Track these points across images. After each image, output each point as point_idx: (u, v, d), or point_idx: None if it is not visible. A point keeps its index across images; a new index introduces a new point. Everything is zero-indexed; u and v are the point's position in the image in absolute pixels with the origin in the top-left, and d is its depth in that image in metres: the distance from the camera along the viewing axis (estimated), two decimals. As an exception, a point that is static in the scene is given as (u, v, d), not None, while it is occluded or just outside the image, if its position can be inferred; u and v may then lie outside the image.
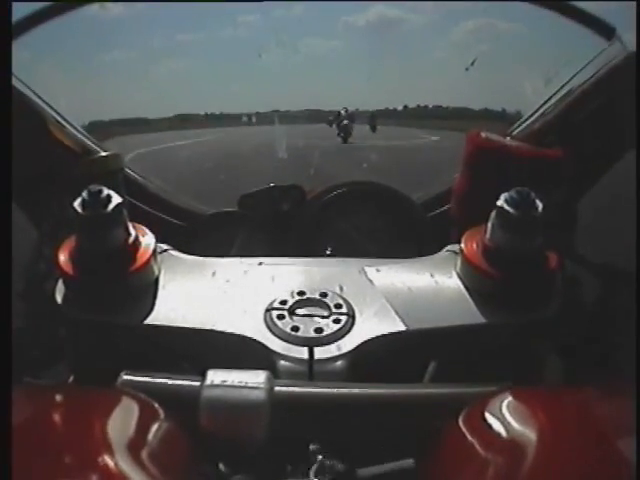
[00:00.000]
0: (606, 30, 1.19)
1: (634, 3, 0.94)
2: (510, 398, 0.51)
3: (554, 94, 1.22)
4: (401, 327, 0.69)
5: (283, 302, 0.72)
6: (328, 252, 1.07)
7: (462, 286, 0.74)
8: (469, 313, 0.71)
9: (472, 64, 1.43)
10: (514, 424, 0.48)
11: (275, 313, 0.70)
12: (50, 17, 1.11)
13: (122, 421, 0.49)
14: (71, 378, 0.73)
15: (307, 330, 0.68)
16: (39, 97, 1.06)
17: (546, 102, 1.23)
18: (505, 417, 0.49)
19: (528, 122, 1.23)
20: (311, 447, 0.60)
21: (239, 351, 0.68)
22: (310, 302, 0.72)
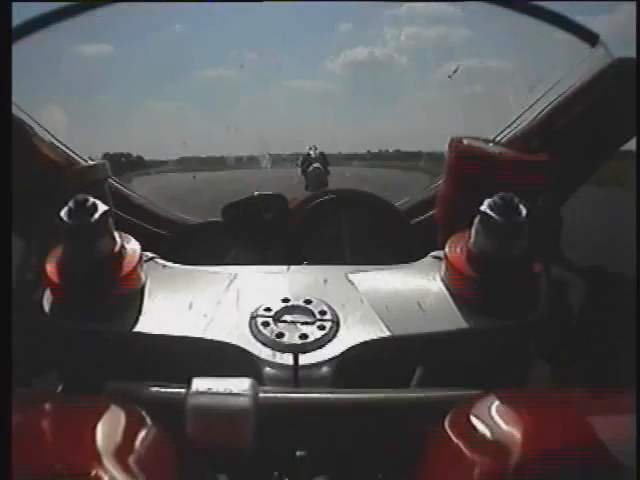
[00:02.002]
0: (590, 37, 1.20)
1: (634, 3, 0.94)
2: (495, 401, 0.51)
3: (538, 100, 1.23)
4: (385, 333, 0.69)
5: (268, 309, 0.72)
6: (312, 259, 1.07)
7: (446, 292, 0.74)
8: (453, 318, 0.71)
9: (455, 72, 1.44)
10: (499, 426, 0.48)
11: (260, 320, 0.70)
12: (49, 24, 1.12)
13: (109, 429, 0.49)
14: (59, 387, 0.73)
15: (292, 337, 0.68)
16: (21, 109, 1.07)
17: (530, 108, 1.24)
18: (490, 419, 0.49)
19: (512, 128, 1.24)
20: (297, 453, 0.60)
21: (225, 358, 0.68)
22: (295, 309, 0.72)
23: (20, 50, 0.99)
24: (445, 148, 0.99)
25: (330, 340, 0.68)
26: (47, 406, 0.56)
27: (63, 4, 1.15)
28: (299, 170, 1.47)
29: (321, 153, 1.49)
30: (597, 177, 1.20)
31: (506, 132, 1.24)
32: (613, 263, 1.15)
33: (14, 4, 0.71)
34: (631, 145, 1.12)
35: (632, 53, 1.03)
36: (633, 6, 0.94)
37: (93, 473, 0.41)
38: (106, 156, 1.35)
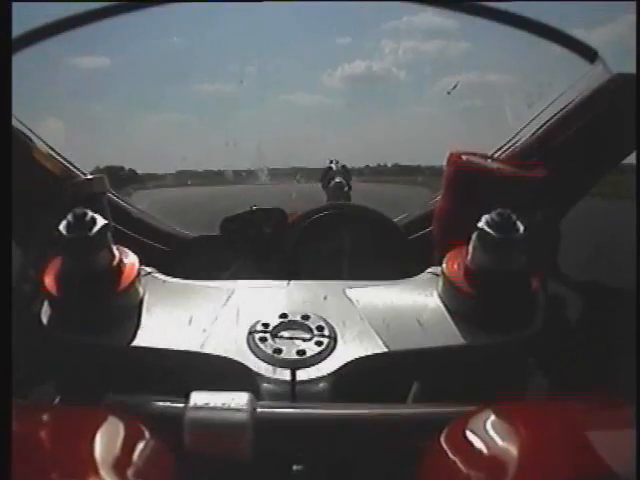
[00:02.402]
0: (589, 53, 1.20)
1: (634, 3, 0.95)
2: (492, 415, 0.51)
3: (537, 116, 1.24)
4: (383, 349, 0.69)
5: (265, 325, 0.72)
6: (310, 274, 1.07)
7: (444, 307, 0.74)
8: (451, 334, 0.71)
9: (454, 88, 1.44)
10: (496, 440, 0.48)
11: (258, 336, 0.70)
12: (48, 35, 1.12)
13: (107, 441, 0.49)
14: (57, 398, 0.73)
15: (289, 352, 0.68)
16: (20, 122, 1.07)
17: (528, 124, 1.24)
18: (487, 433, 0.49)
19: (510, 143, 1.24)
20: (294, 467, 0.60)
21: (222, 373, 0.68)
22: (292, 324, 0.72)
23: (17, 60, 0.99)
24: (443, 162, 0.99)
25: (327, 356, 0.69)
26: (45, 417, 0.56)
27: (64, 14, 1.16)
28: (319, 184, 1.43)
29: (343, 167, 1.45)
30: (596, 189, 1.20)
31: (505, 148, 1.24)
32: (611, 276, 1.15)
33: (14, 4, 0.71)
34: (630, 159, 1.13)
35: (632, 64, 1.04)
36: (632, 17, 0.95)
37: None
38: (98, 170, 1.34)
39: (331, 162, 1.46)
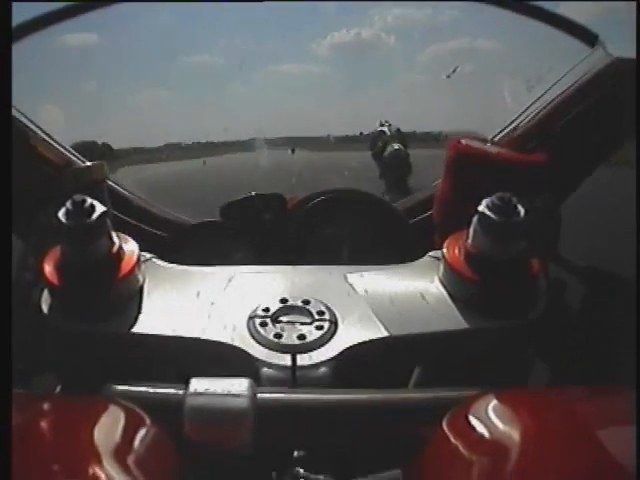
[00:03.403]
0: (589, 37, 1.20)
1: (634, 3, 0.95)
2: (494, 400, 0.51)
3: (536, 100, 1.23)
4: (384, 333, 0.69)
5: (266, 310, 0.72)
6: (310, 259, 1.07)
7: (444, 292, 0.74)
8: (452, 318, 0.71)
9: (453, 71, 1.44)
10: (498, 426, 0.48)
11: (258, 321, 0.70)
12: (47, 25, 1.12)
13: (108, 429, 0.49)
14: (58, 387, 0.73)
15: (290, 337, 0.68)
16: (17, 110, 1.07)
17: (528, 108, 1.24)
18: (489, 419, 0.49)
19: (510, 128, 1.24)
20: (295, 453, 0.60)
21: (223, 359, 0.68)
22: (293, 309, 0.72)
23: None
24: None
25: (328, 340, 0.68)
26: (46, 406, 0.56)
27: (62, 4, 1.15)
28: (370, 154, 1.30)
29: (398, 130, 1.28)
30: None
31: (504, 132, 1.24)
32: (613, 263, 1.15)
33: (14, 4, 0.71)
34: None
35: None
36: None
37: (92, 473, 0.41)
38: (81, 145, 1.33)
39: (382, 124, 1.31)
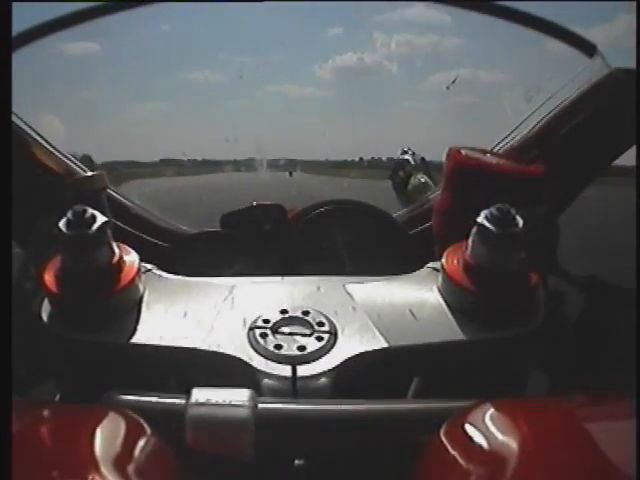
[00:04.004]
0: (588, 47, 1.20)
1: (634, 3, 0.95)
2: (491, 410, 0.51)
3: (535, 111, 1.24)
4: (383, 344, 0.69)
5: (266, 321, 0.72)
6: (310, 270, 1.07)
7: (443, 303, 0.74)
8: (451, 329, 0.71)
9: (453, 82, 1.44)
10: (496, 435, 0.48)
11: (258, 332, 0.70)
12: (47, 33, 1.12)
13: (108, 438, 0.49)
14: (57, 396, 0.73)
15: (290, 348, 0.68)
16: (19, 118, 1.07)
17: (527, 119, 1.24)
18: (487, 428, 0.49)
19: (509, 139, 1.24)
20: (296, 463, 0.60)
21: (223, 369, 0.68)
22: (293, 320, 0.72)
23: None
24: (436, 157, 0.99)
25: (328, 351, 0.69)
26: (45, 414, 0.56)
27: (64, 10, 1.16)
28: (390, 183, 1.22)
29: (422, 159, 1.18)
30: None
31: (504, 143, 1.25)
32: (613, 273, 1.15)
33: (14, 4, 0.71)
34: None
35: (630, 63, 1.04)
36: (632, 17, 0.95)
37: None
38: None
39: (405, 152, 1.21)
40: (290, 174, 1.73)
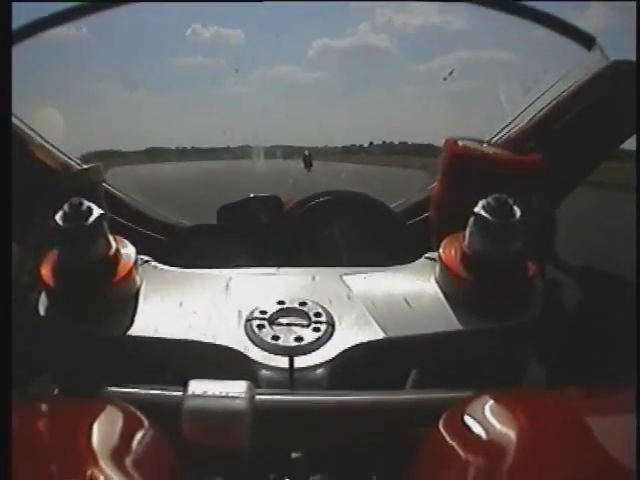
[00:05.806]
0: (586, 40, 1.20)
1: (634, 3, 0.95)
2: (490, 401, 0.51)
3: (533, 102, 1.24)
4: (380, 335, 0.69)
5: (263, 312, 0.72)
6: (307, 261, 1.07)
7: (441, 293, 0.74)
8: (448, 320, 0.71)
9: (450, 74, 1.44)
10: (494, 426, 0.48)
11: (255, 323, 0.70)
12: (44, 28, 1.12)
13: (106, 431, 0.49)
14: (55, 390, 0.73)
15: (287, 339, 0.68)
16: (15, 115, 1.07)
17: (525, 110, 1.24)
18: (485, 419, 0.49)
19: (507, 129, 1.24)
20: (293, 455, 0.60)
21: (220, 361, 0.68)
22: (290, 311, 0.72)
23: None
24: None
25: (325, 342, 0.69)
26: (44, 408, 0.56)
27: (61, 5, 1.15)
28: None
29: None
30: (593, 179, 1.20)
31: (501, 133, 1.24)
32: (610, 264, 1.15)
33: (14, 4, 0.71)
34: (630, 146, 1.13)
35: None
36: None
37: (90, 474, 0.41)
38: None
39: None
40: (308, 165, 1.69)
